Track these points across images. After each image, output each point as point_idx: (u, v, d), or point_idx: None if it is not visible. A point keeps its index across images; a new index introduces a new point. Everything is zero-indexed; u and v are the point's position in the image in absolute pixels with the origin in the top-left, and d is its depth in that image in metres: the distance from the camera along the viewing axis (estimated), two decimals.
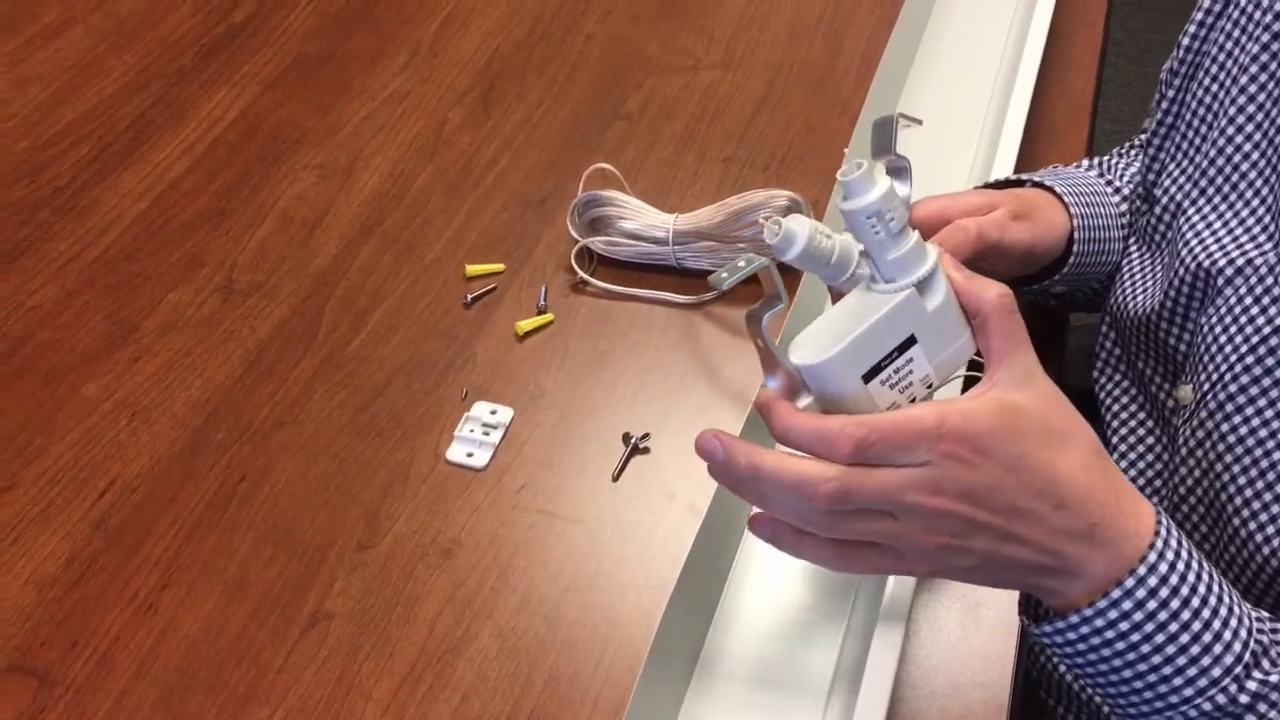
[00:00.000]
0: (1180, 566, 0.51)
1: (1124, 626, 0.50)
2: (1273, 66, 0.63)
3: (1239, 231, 0.63)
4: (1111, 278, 0.75)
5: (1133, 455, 0.73)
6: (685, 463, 0.75)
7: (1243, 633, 0.51)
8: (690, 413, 0.78)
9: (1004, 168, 0.81)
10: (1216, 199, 0.65)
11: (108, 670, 0.66)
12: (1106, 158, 0.82)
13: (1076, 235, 0.71)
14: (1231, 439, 0.60)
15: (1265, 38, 0.63)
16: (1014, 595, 0.68)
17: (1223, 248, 0.63)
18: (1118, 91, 2.37)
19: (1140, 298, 0.70)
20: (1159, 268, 0.70)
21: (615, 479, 0.75)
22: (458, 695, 0.65)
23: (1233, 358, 0.61)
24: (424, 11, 1.13)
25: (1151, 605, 0.50)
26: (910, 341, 0.52)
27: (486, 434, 0.76)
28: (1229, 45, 0.66)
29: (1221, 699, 0.50)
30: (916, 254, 0.52)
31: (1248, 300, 0.61)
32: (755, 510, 0.54)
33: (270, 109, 1.02)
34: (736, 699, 0.64)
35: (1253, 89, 0.63)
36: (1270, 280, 0.60)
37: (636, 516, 0.72)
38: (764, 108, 1.01)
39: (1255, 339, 0.60)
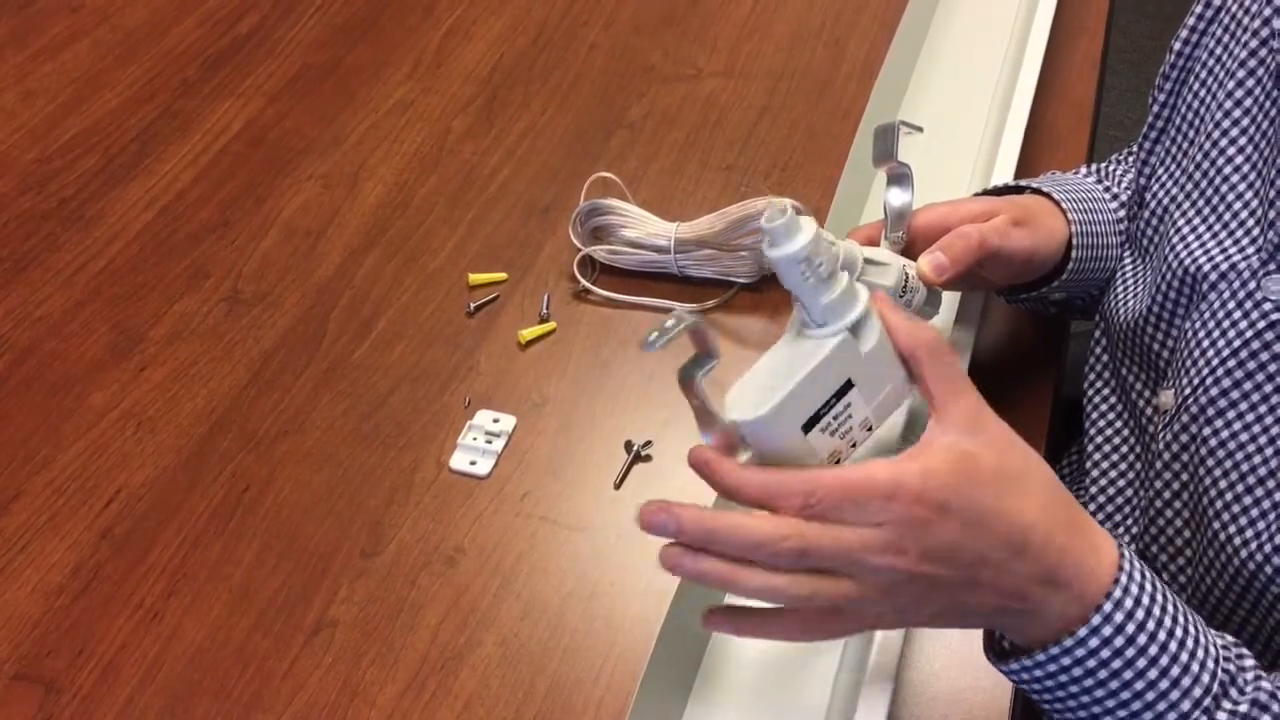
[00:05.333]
0: (1145, 600, 0.50)
1: (1091, 664, 0.50)
2: (1259, 72, 0.63)
3: (1223, 236, 0.64)
4: (1110, 284, 0.76)
5: (1105, 465, 0.73)
6: (687, 470, 0.75)
7: (1210, 663, 0.51)
8: (692, 421, 0.78)
9: (1004, 174, 0.81)
10: (1201, 203, 0.66)
11: (114, 678, 0.67)
12: (1105, 164, 0.82)
13: (1075, 241, 0.71)
14: (1214, 443, 0.60)
15: (1253, 43, 0.63)
16: None
17: (1207, 252, 0.64)
18: (1120, 98, 2.38)
19: (1131, 303, 0.70)
20: (1148, 272, 0.70)
21: (618, 487, 0.75)
22: (460, 702, 0.65)
23: (1215, 361, 0.61)
24: (427, 22, 1.14)
25: (1119, 642, 0.50)
26: (847, 386, 0.51)
27: (489, 442, 0.77)
28: (1218, 50, 0.66)
29: None
30: (848, 297, 0.51)
31: (1230, 304, 0.61)
32: (707, 609, 0.53)
33: (275, 120, 1.03)
34: (738, 705, 0.64)
35: (1239, 93, 0.64)
36: (1253, 284, 0.60)
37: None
38: (765, 116, 1.01)
39: (1237, 342, 0.60)
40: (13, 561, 0.72)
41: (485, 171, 0.97)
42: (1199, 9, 0.69)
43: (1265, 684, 0.51)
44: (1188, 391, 0.62)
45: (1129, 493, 0.72)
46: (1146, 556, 0.67)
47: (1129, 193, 0.78)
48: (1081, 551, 0.51)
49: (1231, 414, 0.60)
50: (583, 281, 0.86)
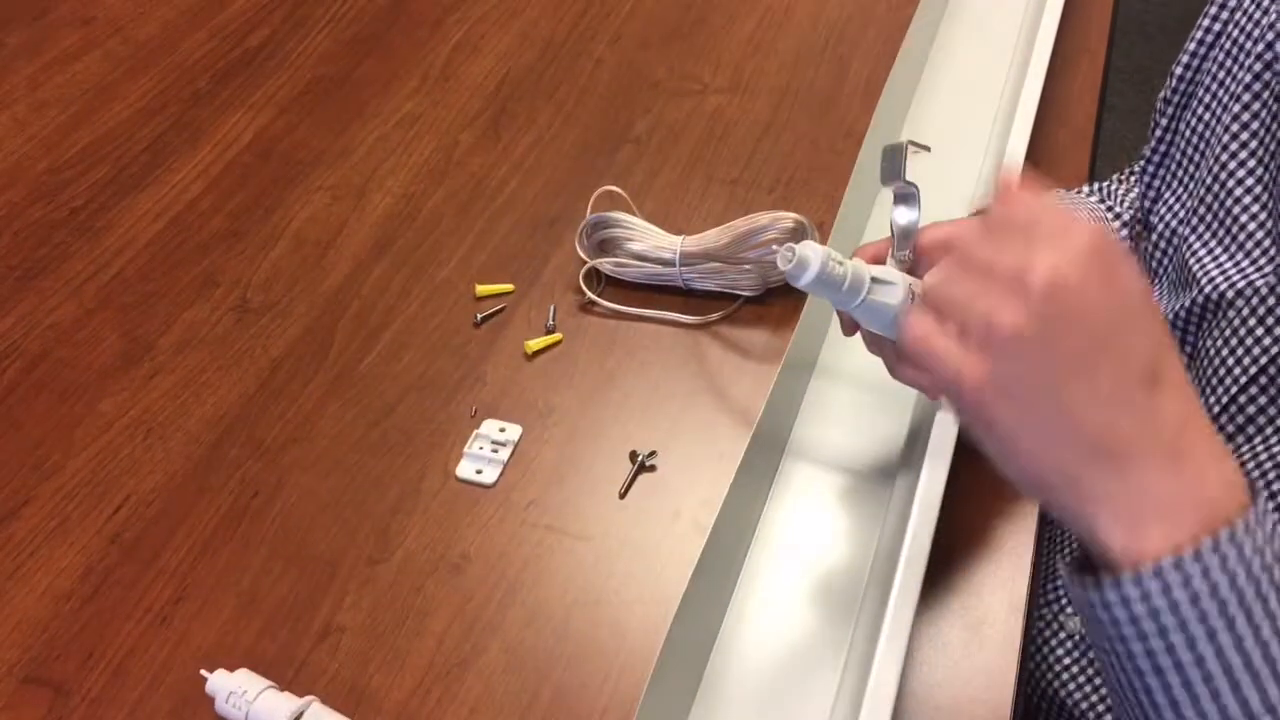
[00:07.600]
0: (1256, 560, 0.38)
1: (1217, 591, 0.37)
2: (1265, 95, 0.64)
3: (1240, 256, 0.65)
4: None
5: None
6: (691, 480, 0.76)
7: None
8: (697, 431, 0.79)
9: None
10: (1215, 225, 0.67)
11: (122, 682, 0.67)
12: (1107, 183, 0.83)
13: None
14: (1250, 463, 0.61)
15: (1256, 66, 0.65)
16: (1017, 613, 0.69)
17: (1224, 272, 0.65)
18: (1122, 119, 2.39)
19: None
20: (1159, 296, 0.71)
21: (622, 496, 0.76)
22: (466, 708, 0.65)
23: (1243, 379, 0.62)
24: (436, 36, 1.15)
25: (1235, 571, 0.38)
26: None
27: (495, 451, 0.77)
28: (1221, 74, 0.68)
29: None
30: (858, 278, 0.59)
31: (1251, 322, 0.62)
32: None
33: (284, 132, 1.04)
34: (742, 714, 0.65)
35: (1245, 116, 0.65)
36: (1272, 300, 0.61)
37: (643, 533, 0.73)
38: (770, 131, 1.02)
39: (1264, 359, 0.61)
40: (23, 565, 0.73)
41: (493, 184, 0.98)
42: (1200, 34, 0.70)
43: None
44: (1216, 410, 0.63)
45: None
46: None
47: (1131, 212, 0.79)
48: (1212, 444, 0.40)
49: (1269, 429, 0.61)
50: (589, 294, 0.87)
